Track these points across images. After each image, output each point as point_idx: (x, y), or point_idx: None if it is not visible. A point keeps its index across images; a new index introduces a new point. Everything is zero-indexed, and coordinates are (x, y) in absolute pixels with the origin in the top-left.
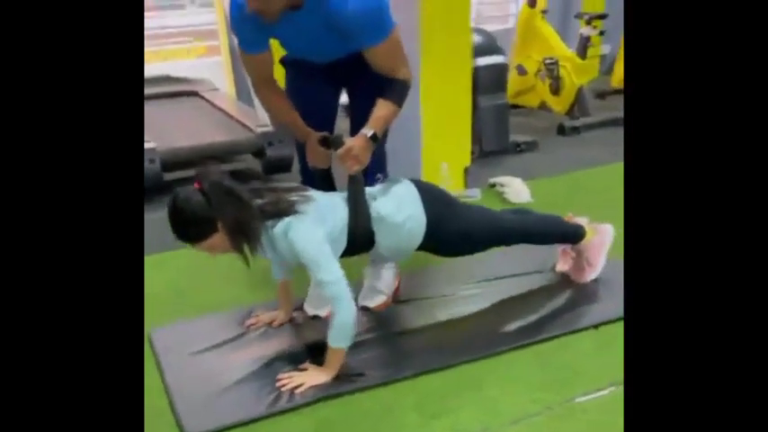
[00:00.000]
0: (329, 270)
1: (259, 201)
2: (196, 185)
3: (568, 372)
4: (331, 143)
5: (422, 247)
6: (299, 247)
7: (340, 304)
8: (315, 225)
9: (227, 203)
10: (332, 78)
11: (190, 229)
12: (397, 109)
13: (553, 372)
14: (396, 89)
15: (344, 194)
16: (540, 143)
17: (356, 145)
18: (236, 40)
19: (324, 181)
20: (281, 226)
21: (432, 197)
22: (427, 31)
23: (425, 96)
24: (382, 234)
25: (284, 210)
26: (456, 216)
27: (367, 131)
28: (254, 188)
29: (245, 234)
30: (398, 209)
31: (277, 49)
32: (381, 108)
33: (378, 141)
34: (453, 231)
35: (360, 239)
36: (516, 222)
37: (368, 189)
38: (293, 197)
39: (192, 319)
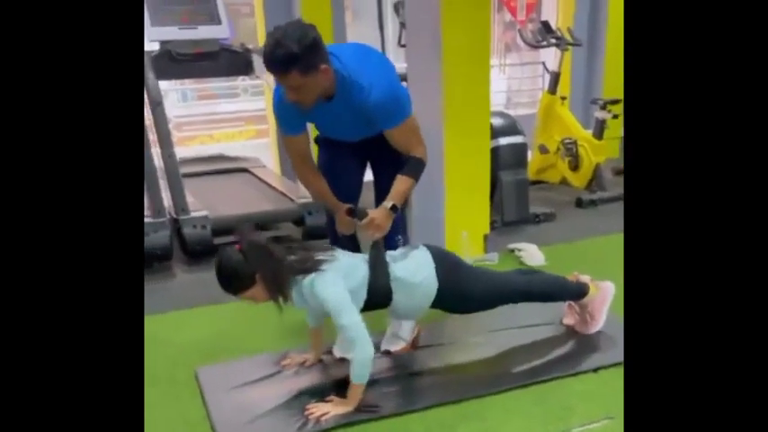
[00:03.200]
0: (349, 316)
1: (291, 257)
2: (237, 247)
3: (566, 407)
4: (356, 214)
5: (433, 306)
6: (323, 297)
7: (358, 344)
8: (336, 278)
9: (262, 259)
10: (358, 155)
11: (232, 282)
12: (413, 183)
13: (552, 406)
14: (412, 166)
15: (365, 256)
16: (558, 214)
17: (378, 215)
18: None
19: (349, 243)
20: (308, 280)
21: (443, 262)
22: (451, 116)
23: (449, 171)
24: (399, 293)
25: (311, 266)
26: (463, 280)
27: (387, 203)
28: (288, 246)
29: (277, 286)
30: (415, 272)
31: (313, 130)
32: (400, 183)
33: (397, 212)
34: (459, 294)
35: (378, 295)
36: (521, 284)
37: (389, 252)
38: (319, 256)
39: (234, 360)
